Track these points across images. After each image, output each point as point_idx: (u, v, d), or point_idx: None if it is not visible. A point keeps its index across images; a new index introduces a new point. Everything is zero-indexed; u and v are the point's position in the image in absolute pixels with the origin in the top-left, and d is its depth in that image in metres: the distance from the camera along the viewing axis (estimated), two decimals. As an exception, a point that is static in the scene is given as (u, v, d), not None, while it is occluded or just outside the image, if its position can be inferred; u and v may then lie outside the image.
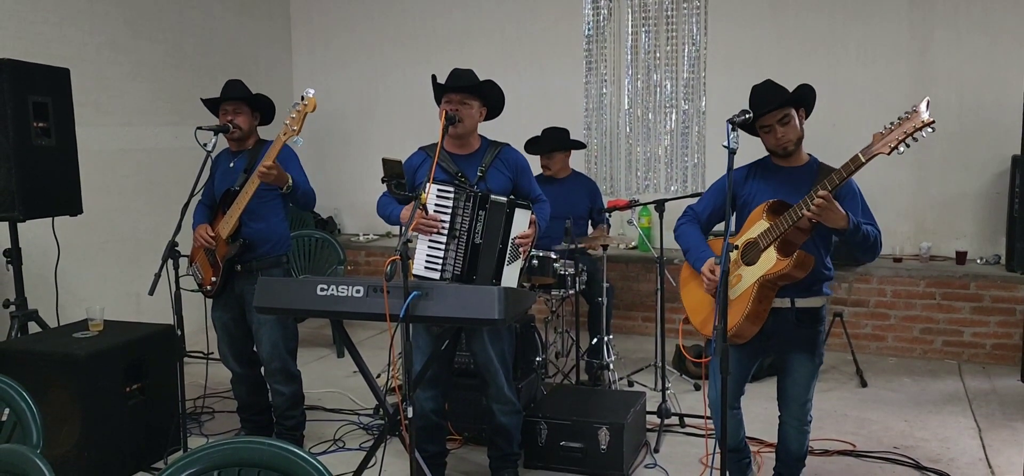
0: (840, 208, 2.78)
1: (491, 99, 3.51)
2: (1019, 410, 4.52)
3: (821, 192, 2.73)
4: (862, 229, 2.87)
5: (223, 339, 4.01)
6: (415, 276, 3.36)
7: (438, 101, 3.46)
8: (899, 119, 2.68)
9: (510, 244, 3.32)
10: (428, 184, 3.22)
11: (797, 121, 2.98)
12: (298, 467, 1.72)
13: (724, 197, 3.12)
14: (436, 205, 3.33)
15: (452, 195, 3.32)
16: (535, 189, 3.61)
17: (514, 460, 3.64)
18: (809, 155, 3.08)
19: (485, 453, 3.72)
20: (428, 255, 3.35)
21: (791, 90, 2.99)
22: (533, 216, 3.40)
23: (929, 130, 2.63)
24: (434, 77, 3.48)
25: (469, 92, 3.40)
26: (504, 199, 3.34)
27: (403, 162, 3.44)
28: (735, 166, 3.03)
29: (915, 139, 2.65)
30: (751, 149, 3.14)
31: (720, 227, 3.27)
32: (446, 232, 3.32)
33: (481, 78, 3.47)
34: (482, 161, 3.47)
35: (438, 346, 3.32)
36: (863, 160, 2.71)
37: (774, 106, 2.93)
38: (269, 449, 1.75)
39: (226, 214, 3.78)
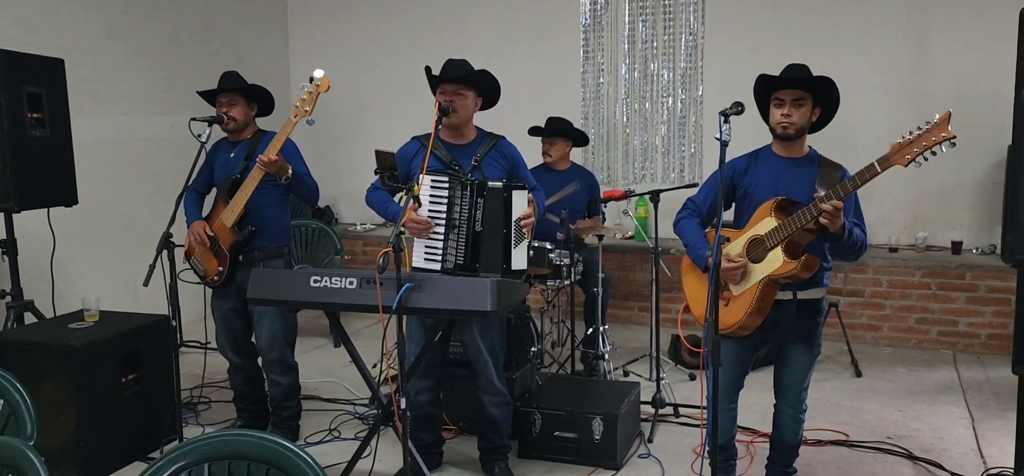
0: (842, 218, 2.80)
1: (486, 89, 3.51)
2: (1012, 400, 4.49)
3: (834, 202, 2.74)
4: (853, 234, 2.89)
5: (222, 329, 4.03)
6: (414, 268, 3.37)
7: (434, 92, 3.46)
8: (919, 129, 2.64)
9: (514, 226, 3.33)
10: (421, 175, 3.22)
11: (808, 113, 2.95)
12: (287, 460, 1.73)
13: (725, 188, 3.13)
14: (431, 195, 3.34)
15: (447, 184, 3.33)
16: (530, 180, 3.62)
17: (504, 452, 3.65)
18: (809, 147, 3.07)
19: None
20: (427, 247, 3.36)
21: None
22: (531, 196, 3.41)
23: (950, 144, 2.61)
24: (428, 68, 3.47)
25: (463, 82, 3.40)
26: (499, 183, 3.34)
27: (396, 151, 3.45)
28: (734, 156, 3.05)
29: (933, 153, 2.63)
30: (743, 140, 3.13)
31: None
32: (443, 223, 3.33)
33: (477, 67, 3.47)
34: (477, 151, 3.47)
35: (431, 337, 3.33)
36: (879, 170, 2.70)
37: (799, 83, 2.91)
38: (259, 442, 1.76)
39: (229, 203, 3.79)
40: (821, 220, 2.78)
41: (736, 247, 3.00)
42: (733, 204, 3.16)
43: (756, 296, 2.92)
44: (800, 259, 2.86)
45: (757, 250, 2.94)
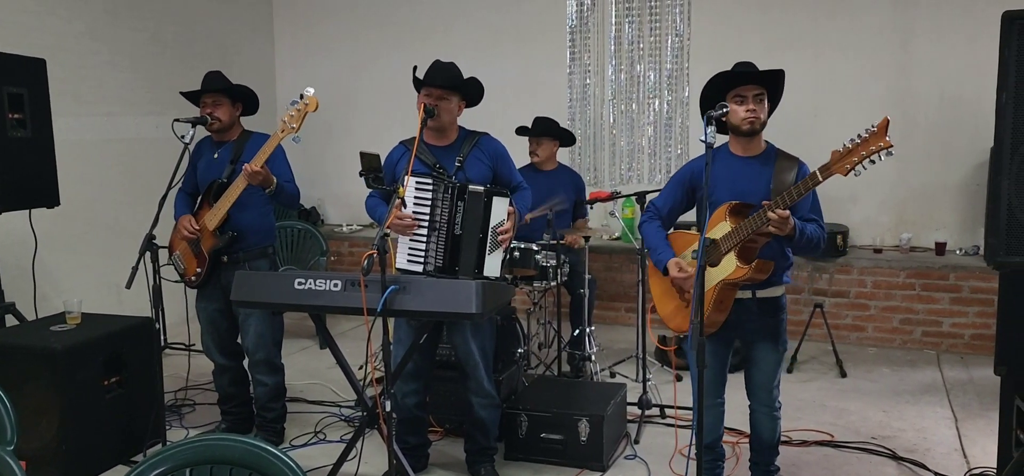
0: (792, 221, 2.83)
1: (470, 93, 3.51)
2: (995, 400, 4.50)
3: (779, 211, 2.78)
4: (805, 234, 2.91)
5: (207, 331, 4.00)
6: (398, 269, 3.36)
7: (418, 91, 3.45)
8: (859, 137, 2.69)
9: (490, 233, 3.32)
10: (406, 178, 3.22)
11: (766, 106, 3.02)
12: (269, 464, 1.71)
13: (684, 191, 3.19)
14: (416, 198, 3.33)
15: (431, 187, 3.32)
16: (516, 176, 3.61)
17: (491, 453, 3.65)
18: (767, 142, 3.10)
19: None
20: (410, 248, 3.35)
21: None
22: (512, 207, 3.40)
23: (887, 153, 2.64)
24: (415, 68, 3.46)
25: (448, 88, 3.40)
26: (481, 188, 3.33)
27: (384, 158, 3.44)
28: (693, 157, 3.10)
29: (873, 161, 2.68)
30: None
31: (684, 218, 3.31)
32: (426, 225, 3.32)
33: (464, 67, 3.47)
34: (460, 151, 3.46)
35: (417, 339, 3.32)
36: (821, 179, 2.75)
37: (757, 76, 2.96)
38: (240, 446, 1.75)
39: (213, 206, 3.77)
40: (770, 228, 2.82)
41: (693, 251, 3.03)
42: (694, 205, 3.21)
43: (714, 298, 2.97)
44: (751, 264, 2.90)
45: (713, 254, 2.97)
